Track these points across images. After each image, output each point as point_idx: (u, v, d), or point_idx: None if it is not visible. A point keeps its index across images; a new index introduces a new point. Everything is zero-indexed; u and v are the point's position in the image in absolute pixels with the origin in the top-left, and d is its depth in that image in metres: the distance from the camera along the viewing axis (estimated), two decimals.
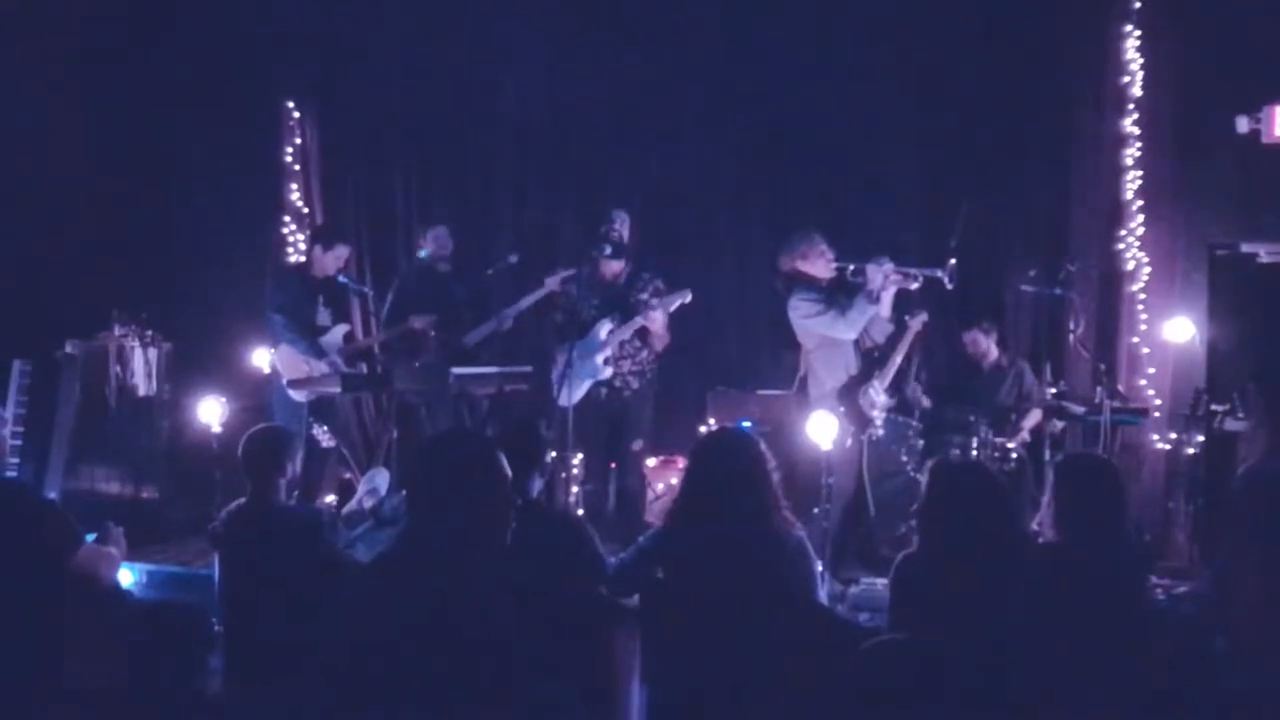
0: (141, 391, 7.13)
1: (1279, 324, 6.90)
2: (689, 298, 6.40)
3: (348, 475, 7.36)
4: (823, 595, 3.66)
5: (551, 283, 6.67)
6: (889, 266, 5.97)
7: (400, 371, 6.48)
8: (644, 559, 3.63)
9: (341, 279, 7.18)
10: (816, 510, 5.89)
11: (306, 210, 8.12)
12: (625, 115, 7.80)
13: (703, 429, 7.18)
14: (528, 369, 6.75)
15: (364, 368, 7.65)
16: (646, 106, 7.76)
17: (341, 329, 6.81)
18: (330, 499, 6.85)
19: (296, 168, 8.14)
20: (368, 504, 5.57)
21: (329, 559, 4.00)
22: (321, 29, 7.79)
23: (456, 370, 6.35)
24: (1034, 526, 5.70)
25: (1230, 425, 6.35)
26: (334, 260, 6.76)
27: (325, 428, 6.65)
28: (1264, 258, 7.04)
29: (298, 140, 8.14)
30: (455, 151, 7.98)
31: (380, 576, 3.00)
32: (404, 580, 2.87)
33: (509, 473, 2.93)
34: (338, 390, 6.60)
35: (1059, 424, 6.89)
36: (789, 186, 7.59)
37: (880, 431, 6.16)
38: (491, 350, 6.88)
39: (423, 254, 7.09)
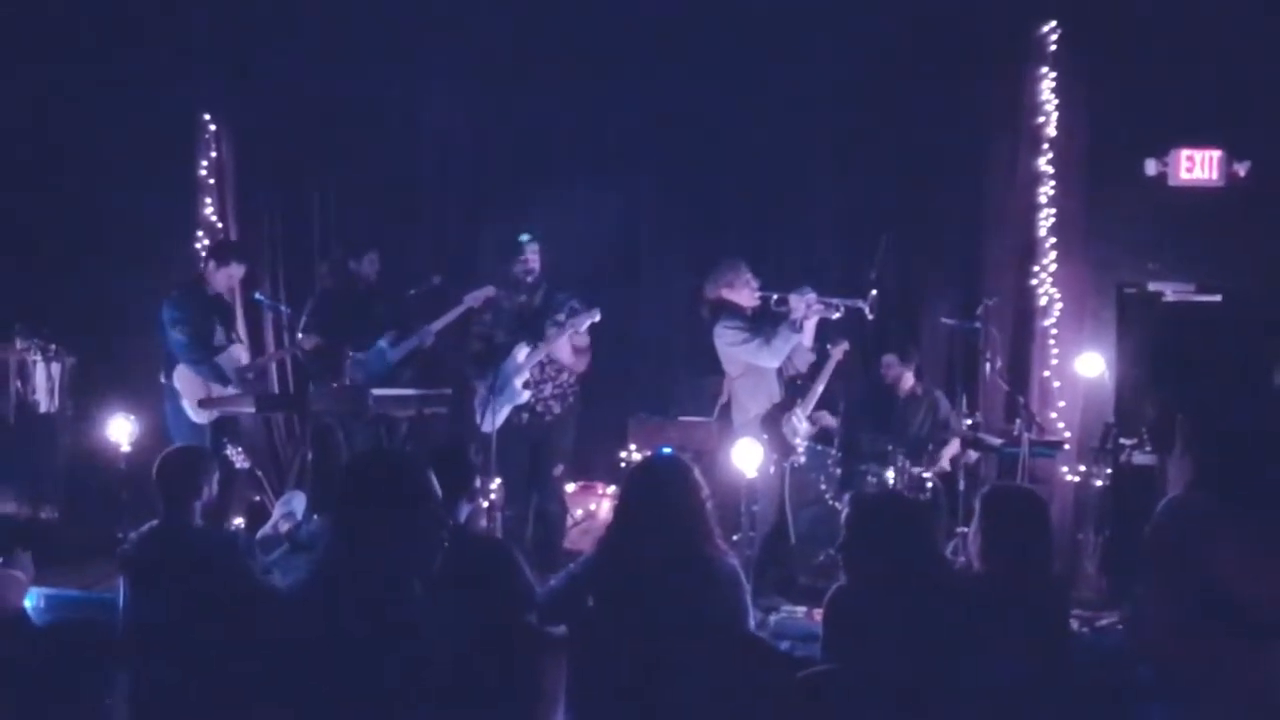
0: (42, 407, 6.87)
1: (1184, 361, 7.13)
2: (598, 317, 6.37)
3: (257, 498, 7.17)
4: (751, 623, 3.64)
5: (471, 299, 6.61)
6: (812, 296, 6.05)
7: (318, 392, 6.34)
8: (574, 586, 3.58)
9: (258, 296, 7.02)
10: (737, 538, 5.90)
11: (220, 225, 7.93)
12: (547, 138, 7.77)
13: (623, 455, 7.16)
14: (447, 391, 6.67)
15: (276, 387, 7.49)
16: (568, 129, 7.75)
17: (237, 348, 6.63)
18: (238, 522, 6.66)
19: (211, 182, 7.94)
20: (283, 527, 5.43)
21: (247, 584, 3.88)
22: (239, 43, 7.63)
23: (376, 391, 6.23)
24: (949, 555, 5.79)
25: (1138, 459, 6.52)
26: (225, 278, 6.61)
27: (239, 449, 6.47)
28: (1169, 296, 7.27)
29: (213, 154, 7.95)
30: (375, 170, 7.86)
31: (303, 603, 2.92)
32: (328, 607, 2.78)
33: (439, 493, 2.86)
34: (251, 410, 6.43)
35: (973, 455, 7.01)
36: (713, 214, 7.64)
37: (802, 459, 6.21)
38: (410, 374, 6.76)
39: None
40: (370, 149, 7.78)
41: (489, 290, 6.59)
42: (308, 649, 2.77)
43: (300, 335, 6.80)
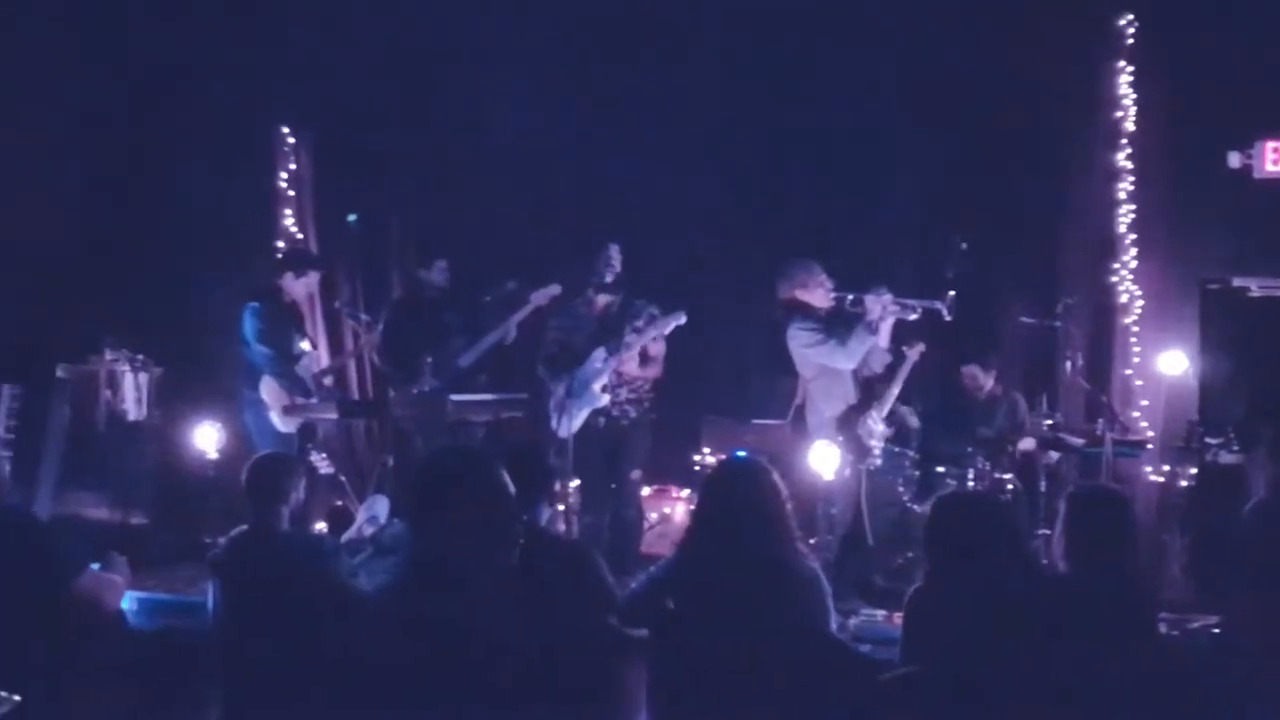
0: (131, 416, 7.06)
1: (1270, 358, 6.96)
2: (683, 319, 6.38)
3: (339, 502, 7.30)
4: (832, 624, 3.63)
5: (538, 297, 6.66)
6: (888, 297, 6.01)
7: (397, 397, 6.45)
8: (655, 589, 3.59)
9: (338, 305, 7.15)
10: (815, 540, 5.88)
11: (301, 236, 8.09)
12: (620, 143, 7.78)
13: (697, 458, 7.16)
14: (523, 396, 6.73)
15: (355, 394, 7.63)
16: (642, 133, 7.76)
17: (311, 354, 6.78)
18: (320, 526, 6.79)
19: (291, 194, 8.10)
20: (368, 531, 5.52)
21: (335, 587, 3.95)
22: (319, 55, 7.77)
23: (454, 397, 6.31)
24: (1033, 557, 5.70)
25: (1224, 458, 6.38)
26: (304, 286, 6.75)
27: (323, 455, 6.60)
28: (1255, 292, 7.10)
29: (292, 166, 8.11)
30: (450, 179, 7.96)
31: (389, 605, 2.96)
32: (413, 607, 2.82)
33: (511, 488, 2.89)
34: (333, 416, 6.56)
35: (1055, 455, 6.91)
36: (786, 215, 7.62)
37: (878, 461, 6.17)
38: (487, 378, 6.84)
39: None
40: (443, 157, 7.87)
41: (555, 289, 6.64)
42: (394, 651, 2.80)
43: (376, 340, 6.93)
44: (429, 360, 6.56)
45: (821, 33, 7.36)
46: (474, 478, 2.85)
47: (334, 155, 8.11)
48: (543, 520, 3.84)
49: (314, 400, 6.48)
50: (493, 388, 6.79)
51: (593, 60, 7.68)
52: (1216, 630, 3.52)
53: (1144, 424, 7.09)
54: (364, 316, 7.34)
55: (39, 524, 3.82)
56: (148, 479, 7.13)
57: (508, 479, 2.87)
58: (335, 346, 7.72)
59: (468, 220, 7.89)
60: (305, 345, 6.82)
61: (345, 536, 5.66)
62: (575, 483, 6.46)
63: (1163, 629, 3.77)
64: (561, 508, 6.01)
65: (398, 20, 7.73)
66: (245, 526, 4.17)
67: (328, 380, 6.87)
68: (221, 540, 4.24)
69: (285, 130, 8.07)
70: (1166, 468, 7.00)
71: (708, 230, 7.94)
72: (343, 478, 7.08)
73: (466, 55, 7.64)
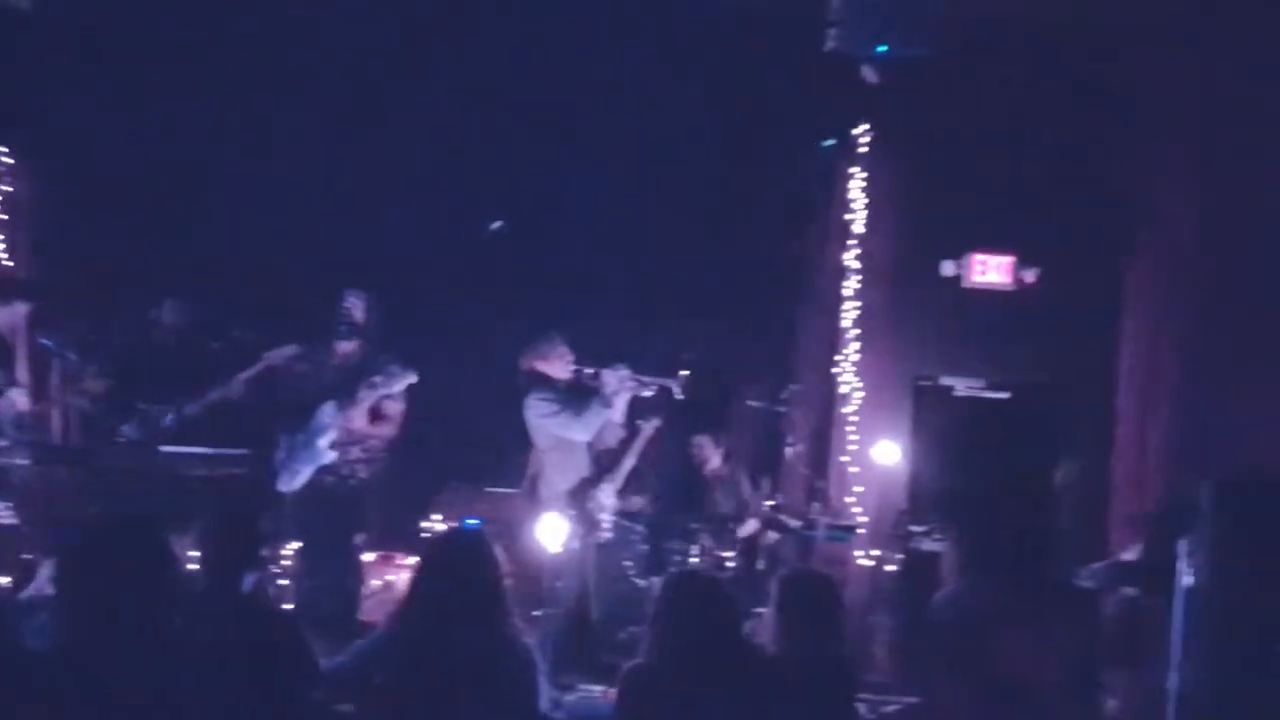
0: None
1: (970, 453, 7.50)
2: (414, 378, 6.22)
3: (28, 556, 6.69)
4: (544, 702, 3.59)
5: (271, 357, 6.38)
6: (625, 373, 6.11)
7: (103, 445, 6.00)
8: (363, 663, 3.46)
9: (43, 341, 6.61)
10: (539, 613, 5.84)
11: (11, 264, 7.47)
12: (368, 200, 7.65)
13: (426, 525, 7.01)
14: (244, 451, 6.40)
15: (58, 437, 7.05)
16: (390, 192, 7.65)
17: (15, 392, 6.23)
18: (3, 581, 6.20)
19: (4, 217, 7.49)
20: (50, 590, 5.06)
21: (3, 647, 3.58)
22: (45, 74, 7.28)
23: (166, 448, 5.93)
24: (747, 637, 5.86)
25: (928, 545, 6.79)
26: (6, 317, 6.23)
27: (8, 504, 6.04)
28: (959, 391, 7.66)
29: (7, 188, 7.52)
30: (185, 217, 7.57)
31: (50, 669, 2.85)
32: (68, 672, 2.78)
33: (172, 555, 2.88)
34: (26, 462, 6.03)
35: (774, 536, 7.16)
36: (533, 287, 7.65)
37: (608, 535, 6.21)
38: (210, 430, 6.46)
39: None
40: (178, 194, 7.48)
41: (291, 349, 6.37)
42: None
43: (89, 381, 6.43)
44: (143, 408, 6.15)
45: (571, 117, 7.49)
46: (125, 552, 2.83)
47: (61, 181, 7.57)
48: (247, 587, 3.63)
49: (3, 443, 5.94)
50: (216, 442, 6.42)
51: (346, 107, 7.51)
52: (912, 714, 3.69)
53: (857, 509, 7.44)
54: (72, 356, 6.81)
55: None
56: None
57: (167, 545, 2.83)
58: (39, 387, 7.12)
59: (204, 261, 7.51)
60: (14, 381, 6.25)
61: (24, 593, 5.19)
62: (295, 545, 6.17)
63: (861, 709, 3.92)
64: (275, 570, 5.73)
65: (138, 53, 7.35)
66: None
67: (27, 422, 6.31)
68: None
69: (4, 150, 7.48)
70: (876, 552, 7.37)
71: (460, 295, 7.88)
72: (28, 529, 6.48)
73: (212, 91, 7.33)
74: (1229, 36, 6.20)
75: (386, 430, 6.33)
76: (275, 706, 3.33)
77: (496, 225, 7.44)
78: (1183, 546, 4.44)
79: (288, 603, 6.04)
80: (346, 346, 6.29)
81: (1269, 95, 5.95)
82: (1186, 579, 4.40)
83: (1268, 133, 5.94)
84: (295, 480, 5.96)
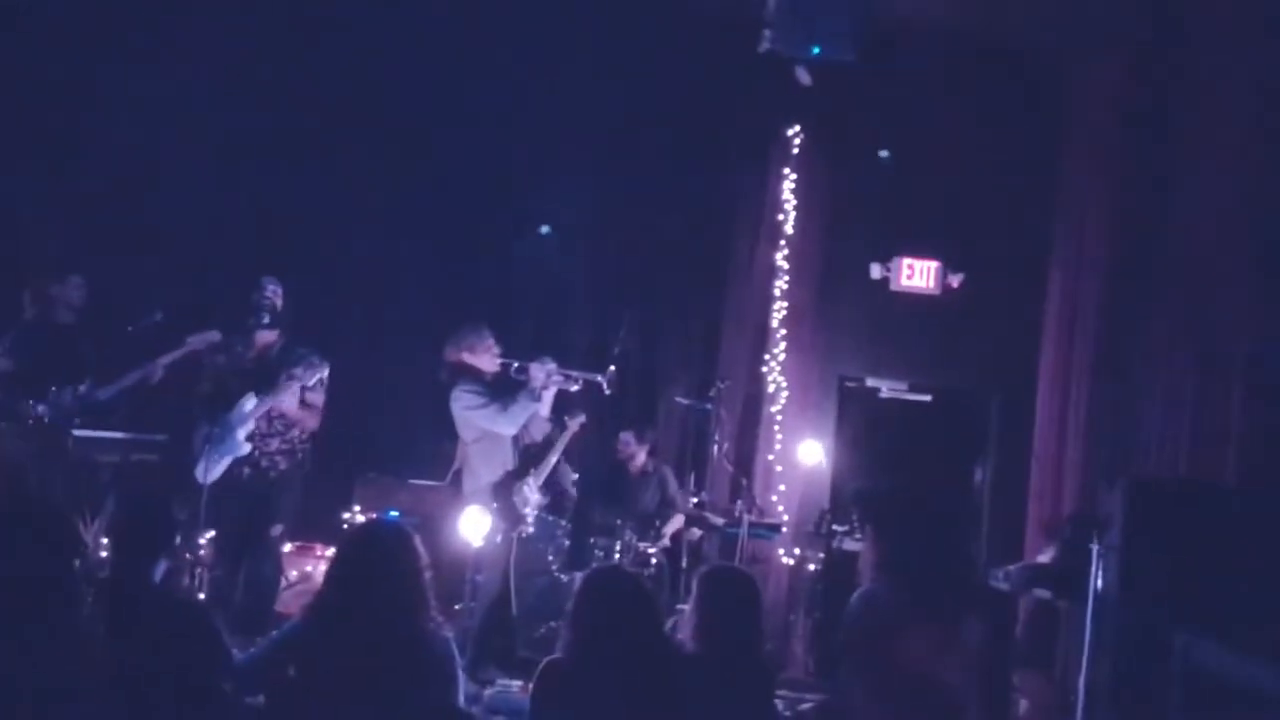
0: None
1: (892, 454, 7.59)
2: (325, 372, 6.10)
3: None
4: (461, 698, 3.55)
5: (194, 341, 6.21)
6: (552, 366, 6.07)
7: (12, 428, 5.81)
8: (276, 654, 3.39)
9: None
10: (459, 607, 5.79)
11: None
12: (284, 183, 7.48)
13: (347, 516, 6.91)
14: (160, 438, 6.25)
15: None
16: (308, 176, 7.49)
17: None
18: None
19: None
20: None
21: None
22: None
23: (78, 432, 5.77)
24: (668, 633, 5.86)
25: (848, 545, 6.86)
26: None
27: None
28: (884, 393, 7.75)
29: None
30: (99, 195, 7.34)
31: None
32: None
33: (79, 543, 2.86)
34: None
35: (698, 533, 7.18)
36: (461, 278, 7.57)
37: (531, 529, 6.17)
38: (128, 417, 6.29)
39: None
40: (96, 165, 7.25)
41: (214, 335, 6.22)
42: None
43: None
44: (53, 390, 5.97)
45: (505, 97, 7.41)
46: (28, 530, 2.80)
47: None
48: (157, 576, 3.54)
49: None
50: (131, 427, 6.25)
51: (271, 78, 7.35)
52: (824, 710, 3.72)
53: (780, 508, 7.51)
54: None
55: None
56: None
57: (72, 531, 2.72)
58: None
59: (120, 242, 7.30)
60: None
61: None
62: (209, 534, 6.04)
63: (779, 706, 3.94)
64: (189, 558, 5.61)
65: (70, 23, 7.13)
66: None
67: None
68: None
69: None
70: (798, 551, 7.43)
71: (381, 286, 7.77)
72: None
73: (138, 67, 7.13)
74: (1150, 49, 6.34)
75: (310, 422, 6.21)
76: (186, 697, 3.26)
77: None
78: (1095, 550, 4.53)
79: (202, 593, 5.92)
80: (267, 336, 6.15)
81: (1183, 106, 6.10)
82: (1098, 582, 4.49)
83: (1180, 144, 6.09)
84: (213, 471, 5.83)
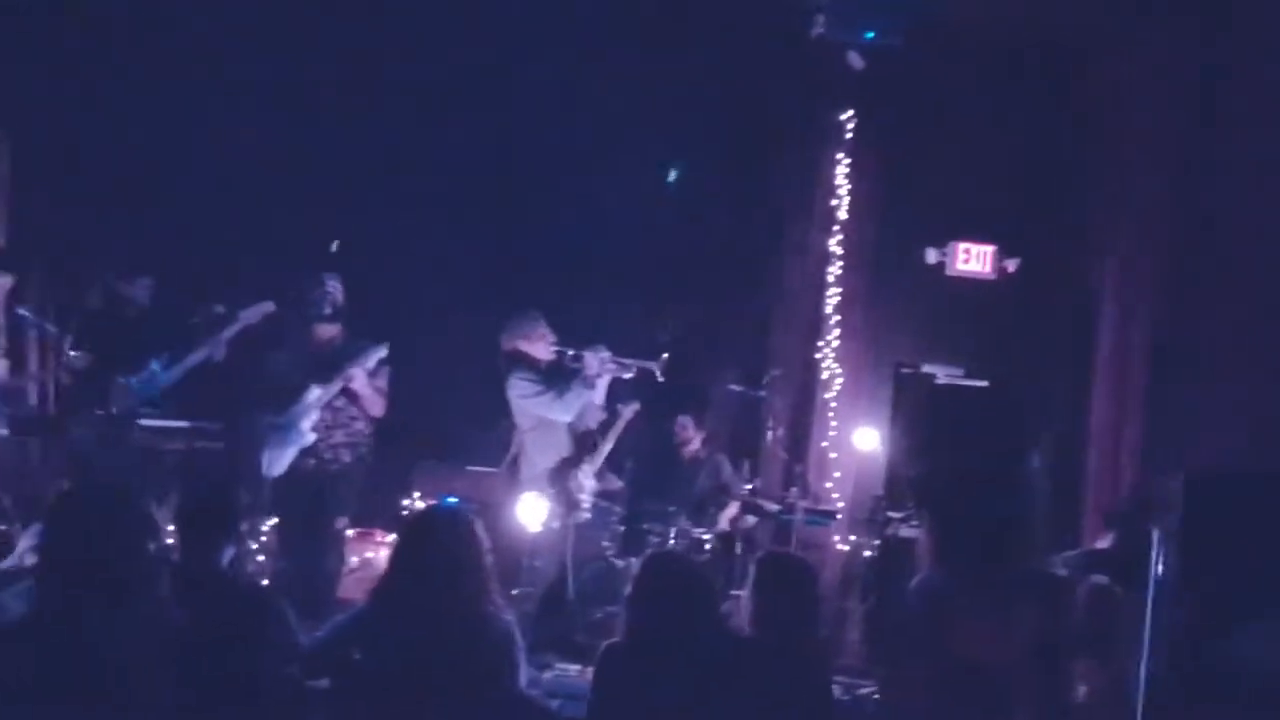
0: None
1: (948, 441, 7.53)
2: (384, 352, 6.19)
3: (2, 527, 6.66)
4: (523, 681, 3.60)
5: (249, 315, 6.30)
6: (606, 355, 6.12)
7: (80, 418, 5.96)
8: (340, 639, 3.47)
9: (20, 311, 6.57)
10: (516, 592, 5.86)
11: None
12: (349, 177, 7.60)
13: (406, 502, 7.01)
14: (221, 426, 6.37)
15: (34, 408, 7.01)
16: (372, 170, 7.60)
17: None
18: None
19: None
20: (29, 560, 5.04)
21: None
22: (22, 54, 7.18)
23: (143, 421, 5.90)
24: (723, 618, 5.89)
25: (904, 532, 6.83)
26: None
27: None
28: (940, 379, 7.69)
29: None
30: (162, 195, 7.50)
31: (22, 638, 2.88)
32: (36, 646, 2.79)
33: (155, 528, 2.91)
34: (4, 433, 5.99)
35: (751, 520, 7.20)
36: (514, 266, 7.64)
37: (587, 515, 6.23)
38: (180, 405, 6.42)
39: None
40: (158, 172, 7.41)
41: (268, 306, 6.30)
42: (26, 688, 2.75)
43: (70, 354, 6.38)
44: (121, 381, 6.11)
45: (558, 85, 7.46)
46: (104, 523, 2.85)
47: (38, 158, 7.48)
48: (224, 562, 3.63)
49: None
50: (189, 415, 6.37)
51: (324, 81, 7.45)
52: (877, 695, 3.73)
53: (835, 495, 7.49)
54: (51, 328, 6.76)
55: None
56: None
57: (150, 518, 2.88)
58: (17, 358, 7.08)
59: (178, 241, 7.45)
60: None
61: (2, 564, 5.17)
62: (272, 522, 6.15)
63: (837, 693, 3.96)
64: (254, 547, 5.72)
65: (111, 28, 7.27)
66: None
67: (7, 394, 6.27)
68: None
69: None
70: (853, 538, 7.42)
71: (436, 275, 7.85)
72: (7, 501, 6.44)
73: (187, 70, 7.26)
74: (1205, 33, 6.25)
75: (375, 407, 6.26)
76: (251, 681, 3.34)
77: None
78: (1155, 536, 4.49)
79: (266, 579, 6.04)
80: (329, 329, 6.24)
81: (1244, 92, 6.00)
82: (1158, 569, 4.45)
83: (1241, 130, 5.99)
84: (279, 464, 5.93)
